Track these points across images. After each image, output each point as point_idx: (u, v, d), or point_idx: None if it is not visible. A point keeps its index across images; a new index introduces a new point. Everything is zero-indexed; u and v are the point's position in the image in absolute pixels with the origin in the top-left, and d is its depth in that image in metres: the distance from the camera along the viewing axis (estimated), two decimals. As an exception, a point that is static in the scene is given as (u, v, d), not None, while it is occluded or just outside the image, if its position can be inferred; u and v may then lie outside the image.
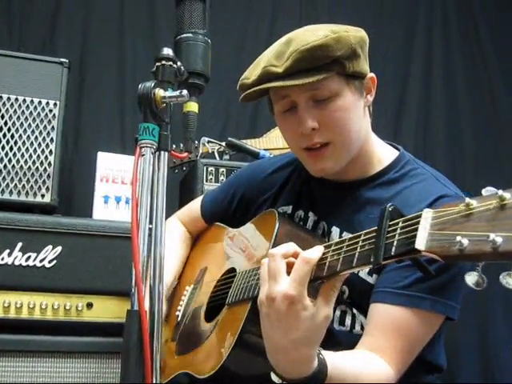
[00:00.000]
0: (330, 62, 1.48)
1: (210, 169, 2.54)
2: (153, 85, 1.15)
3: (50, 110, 2.37)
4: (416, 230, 0.98)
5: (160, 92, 1.14)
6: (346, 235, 1.55)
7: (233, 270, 1.70)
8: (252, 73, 1.55)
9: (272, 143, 2.77)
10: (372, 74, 1.60)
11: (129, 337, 1.04)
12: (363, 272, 1.51)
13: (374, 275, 1.50)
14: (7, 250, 2.18)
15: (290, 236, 1.55)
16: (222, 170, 2.54)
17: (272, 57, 1.51)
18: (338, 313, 1.56)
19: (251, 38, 3.45)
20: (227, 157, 2.72)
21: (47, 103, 2.38)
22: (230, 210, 1.92)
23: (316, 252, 1.17)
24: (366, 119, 1.62)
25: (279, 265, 1.18)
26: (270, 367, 1.32)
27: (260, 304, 1.21)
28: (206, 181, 2.51)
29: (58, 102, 2.39)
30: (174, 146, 2.60)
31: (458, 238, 0.89)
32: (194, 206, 2.05)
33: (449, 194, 1.53)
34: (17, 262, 2.19)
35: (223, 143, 2.71)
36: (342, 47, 1.48)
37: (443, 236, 0.93)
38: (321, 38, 1.46)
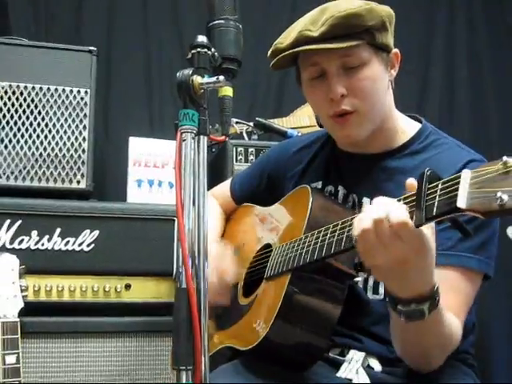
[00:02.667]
0: (361, 31, 1.55)
1: (239, 149, 2.58)
2: (191, 72, 1.20)
3: (82, 98, 2.42)
4: (456, 190, 1.04)
5: (198, 79, 1.19)
6: None
7: (267, 246, 1.76)
8: (286, 37, 1.60)
9: (299, 122, 2.81)
10: (397, 50, 1.66)
11: (178, 313, 1.09)
12: None
13: None
14: (47, 236, 2.25)
15: (324, 209, 1.61)
16: (251, 149, 2.59)
17: (308, 22, 1.56)
18: (371, 282, 1.61)
19: (273, 21, 3.47)
20: (255, 137, 2.77)
21: (78, 91, 2.43)
22: (259, 190, 1.98)
23: (402, 213, 1.20)
24: (390, 93, 1.68)
25: (394, 227, 1.21)
26: (315, 337, 1.41)
27: (387, 268, 1.25)
28: (236, 161, 2.56)
29: (88, 90, 2.44)
30: (210, 127, 2.68)
31: (499, 194, 0.95)
32: (225, 187, 2.12)
33: (476, 158, 1.60)
34: (56, 247, 2.26)
35: (251, 123, 2.75)
36: (374, 18, 1.55)
37: (483, 193, 0.99)
38: (355, 7, 1.53)
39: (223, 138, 1.28)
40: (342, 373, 1.56)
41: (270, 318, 1.48)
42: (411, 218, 1.16)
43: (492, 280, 1.57)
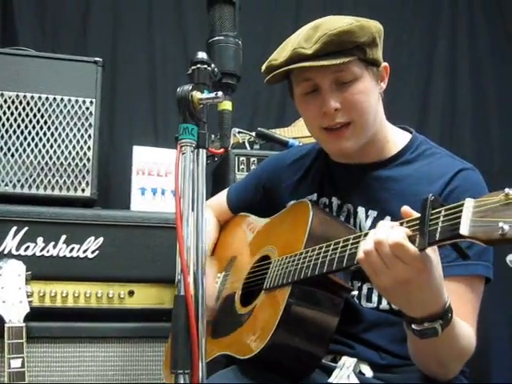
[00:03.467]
0: (353, 47, 1.59)
1: (241, 158, 2.63)
2: (190, 88, 1.24)
3: (87, 108, 2.48)
4: (459, 217, 1.09)
5: (197, 94, 1.23)
6: (372, 213, 1.67)
7: (266, 258, 1.79)
8: (280, 54, 1.64)
9: (300, 131, 2.85)
10: (386, 64, 1.71)
11: (177, 320, 1.14)
12: None
13: None
14: (52, 243, 2.30)
15: (324, 224, 1.65)
16: (252, 159, 2.63)
17: (301, 40, 1.60)
18: (364, 290, 1.65)
19: (276, 31, 3.51)
20: (257, 146, 2.80)
21: (84, 101, 2.48)
22: (256, 201, 2.02)
23: (400, 235, 1.24)
24: (380, 105, 1.72)
25: (388, 255, 1.25)
26: (313, 347, 1.47)
27: (391, 287, 1.29)
28: (238, 170, 2.61)
29: (93, 100, 2.49)
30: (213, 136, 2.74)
31: (500, 224, 1.00)
32: (222, 198, 2.16)
33: (466, 167, 1.65)
34: (61, 254, 2.31)
35: (253, 133, 2.79)
36: (365, 34, 1.59)
37: (485, 223, 1.04)
38: (347, 25, 1.57)
39: (222, 150, 1.32)
40: (334, 379, 1.59)
41: (270, 329, 1.52)
42: (414, 241, 1.21)
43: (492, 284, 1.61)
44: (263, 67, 1.70)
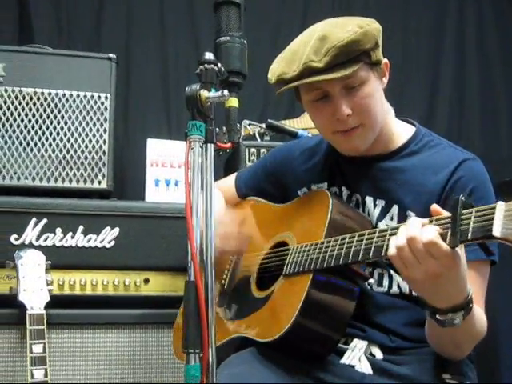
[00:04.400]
0: (359, 54, 1.63)
1: (251, 150, 2.68)
2: (198, 87, 1.32)
3: (102, 103, 2.55)
4: (491, 219, 1.16)
5: (204, 93, 1.31)
6: (380, 202, 1.73)
7: (282, 244, 1.84)
8: (291, 68, 1.67)
9: (309, 122, 2.88)
10: (386, 60, 1.75)
11: (188, 304, 1.22)
12: None
13: None
14: (70, 233, 2.36)
15: (342, 214, 1.71)
16: (262, 150, 2.68)
17: (310, 52, 1.63)
18: (376, 275, 1.71)
19: (285, 25, 3.58)
20: (268, 138, 2.84)
21: (99, 96, 2.55)
22: (264, 187, 2.06)
23: (432, 233, 1.31)
24: (384, 100, 1.78)
25: (420, 250, 1.33)
26: (331, 331, 1.55)
27: (421, 281, 1.36)
28: (249, 161, 2.65)
29: (108, 95, 2.57)
30: (218, 130, 2.79)
31: None
32: (229, 182, 2.18)
33: (469, 157, 1.72)
34: (79, 244, 2.37)
35: (263, 125, 2.83)
36: (369, 40, 1.64)
37: None
38: (352, 34, 1.61)
39: (229, 144, 1.39)
40: (346, 360, 1.67)
41: (292, 314, 1.57)
42: (445, 239, 1.29)
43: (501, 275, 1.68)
44: (273, 79, 1.73)
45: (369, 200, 1.77)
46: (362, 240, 1.53)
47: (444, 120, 3.79)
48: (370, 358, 1.67)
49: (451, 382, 1.58)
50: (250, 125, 2.84)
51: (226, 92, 1.30)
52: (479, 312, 1.54)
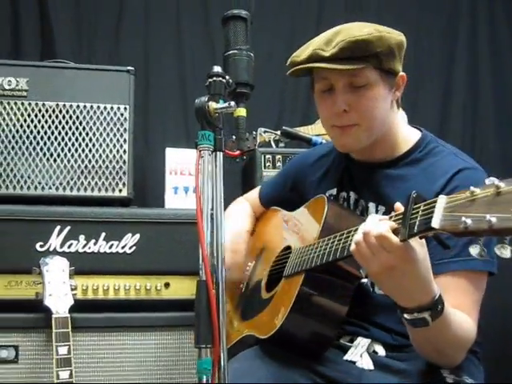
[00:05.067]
0: (369, 55, 1.69)
1: (267, 156, 2.76)
2: (206, 99, 1.40)
3: (122, 114, 2.62)
4: (432, 212, 1.20)
5: (213, 104, 1.38)
6: (381, 209, 1.79)
7: (288, 247, 1.93)
8: (303, 52, 1.76)
9: (323, 129, 2.96)
10: (403, 73, 1.79)
11: (199, 301, 1.31)
12: None
13: None
14: (93, 240, 2.43)
15: (337, 217, 1.78)
16: (278, 157, 2.75)
17: (322, 42, 1.72)
18: None
19: (300, 34, 3.63)
20: (283, 144, 2.91)
21: (118, 108, 2.62)
22: (284, 196, 2.15)
23: (383, 227, 1.37)
24: (393, 110, 1.83)
25: (373, 244, 1.38)
26: (324, 328, 1.59)
27: (378, 273, 1.41)
28: (265, 168, 2.73)
29: (127, 106, 2.64)
30: (234, 137, 2.87)
31: (463, 219, 1.11)
32: (255, 193, 2.30)
33: (468, 166, 1.73)
34: (102, 250, 2.44)
35: (278, 132, 2.90)
36: (382, 45, 1.69)
37: (453, 217, 1.15)
38: (366, 34, 1.67)
39: (238, 152, 1.47)
40: (348, 356, 1.74)
41: (285, 311, 1.67)
42: (398, 233, 1.33)
43: None
44: (288, 61, 1.81)
45: (371, 206, 1.83)
46: (341, 239, 1.59)
47: (458, 123, 3.82)
48: (373, 354, 1.73)
49: (449, 376, 1.62)
50: (265, 132, 2.91)
51: (232, 103, 1.37)
52: (462, 318, 1.56)
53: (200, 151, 1.40)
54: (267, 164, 2.75)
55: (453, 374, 1.63)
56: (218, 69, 1.43)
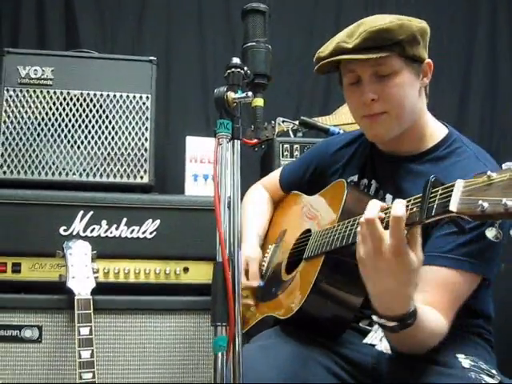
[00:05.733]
0: (392, 44, 1.71)
1: (285, 146, 2.81)
2: (225, 89, 1.45)
3: (144, 103, 2.69)
4: (450, 196, 1.23)
5: (231, 94, 1.44)
6: None
7: (308, 230, 1.97)
8: (327, 47, 1.80)
9: (340, 119, 2.99)
10: (429, 60, 1.81)
11: (216, 281, 1.37)
12: None
13: None
14: (115, 225, 2.51)
15: (356, 201, 1.80)
16: (295, 146, 2.81)
17: (344, 35, 1.76)
18: None
19: (319, 24, 3.68)
20: (300, 134, 2.96)
21: (140, 97, 2.69)
22: (305, 180, 2.19)
23: (400, 209, 1.35)
24: (422, 99, 1.84)
25: (378, 226, 1.39)
26: (342, 310, 1.63)
27: (366, 258, 1.43)
28: (282, 156, 2.79)
29: (149, 96, 2.70)
30: (253, 127, 2.92)
31: (480, 202, 1.14)
32: (274, 177, 2.34)
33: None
34: (123, 235, 2.52)
35: (296, 122, 2.95)
36: (404, 32, 1.71)
37: (470, 201, 1.18)
38: (388, 23, 1.71)
39: (255, 141, 1.52)
40: (368, 339, 1.79)
41: (305, 292, 1.71)
42: (416, 216, 1.34)
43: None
44: (314, 58, 1.85)
45: (388, 197, 1.86)
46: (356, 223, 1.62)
47: (476, 116, 3.84)
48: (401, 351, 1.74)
49: (464, 361, 1.65)
50: (283, 122, 2.96)
51: (250, 93, 1.43)
52: (432, 322, 1.58)
53: (218, 139, 1.46)
54: (285, 153, 2.80)
55: (468, 359, 1.67)
56: (236, 60, 1.49)
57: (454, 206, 1.21)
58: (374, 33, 1.71)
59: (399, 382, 1.65)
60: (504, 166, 1.15)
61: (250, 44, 1.58)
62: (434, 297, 1.63)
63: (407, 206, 1.37)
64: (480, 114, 3.86)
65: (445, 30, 3.88)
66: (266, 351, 1.72)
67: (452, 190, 1.24)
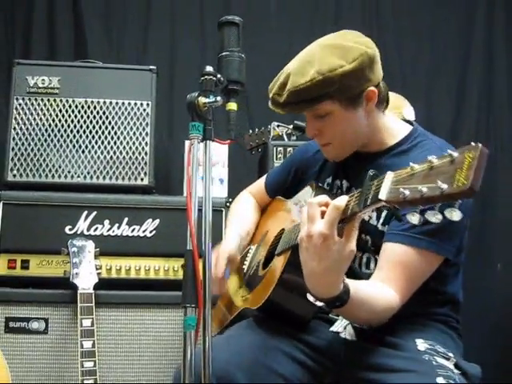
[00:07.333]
0: (319, 96, 1.80)
1: (278, 149, 2.93)
2: (196, 94, 1.60)
3: (144, 109, 2.83)
4: (381, 186, 1.33)
5: (202, 99, 1.58)
6: None
7: (283, 229, 2.08)
8: (271, 90, 1.94)
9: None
10: (371, 89, 1.84)
11: (186, 267, 1.51)
12: (379, 223, 1.86)
13: (387, 226, 1.83)
14: (116, 224, 2.66)
15: None
16: (289, 149, 2.92)
17: (277, 87, 1.89)
18: (364, 259, 1.90)
19: (318, 29, 3.71)
20: (294, 138, 3.07)
21: (141, 104, 2.84)
22: (287, 184, 2.27)
23: (342, 200, 1.44)
24: (371, 118, 1.91)
25: (315, 210, 1.47)
26: (306, 294, 1.68)
27: (300, 240, 1.50)
28: (276, 159, 2.91)
29: (149, 102, 2.84)
30: (251, 131, 3.05)
31: (401, 190, 1.24)
32: (259, 184, 2.43)
33: None
34: (124, 234, 2.67)
35: (290, 126, 3.06)
36: (328, 86, 1.78)
37: (396, 189, 1.28)
38: (307, 82, 1.78)
39: (228, 142, 1.65)
40: (334, 328, 1.90)
41: (273, 284, 1.84)
42: (355, 207, 1.43)
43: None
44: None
45: None
46: None
47: (472, 122, 3.89)
48: (356, 326, 1.86)
49: (422, 344, 1.74)
50: (278, 126, 3.08)
51: (218, 98, 1.56)
52: (377, 300, 1.68)
53: (191, 139, 1.60)
54: (278, 156, 2.92)
55: (426, 343, 1.75)
56: (209, 68, 1.62)
57: (383, 195, 1.29)
58: (295, 93, 1.81)
59: (353, 364, 1.75)
60: (429, 157, 1.24)
61: (224, 53, 1.70)
62: (387, 273, 1.73)
63: (350, 199, 1.46)
64: (475, 123, 3.90)
65: (440, 31, 3.95)
66: (231, 340, 1.85)
67: (383, 181, 1.33)
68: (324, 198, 1.50)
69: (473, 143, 1.14)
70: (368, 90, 1.84)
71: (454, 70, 3.95)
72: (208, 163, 1.59)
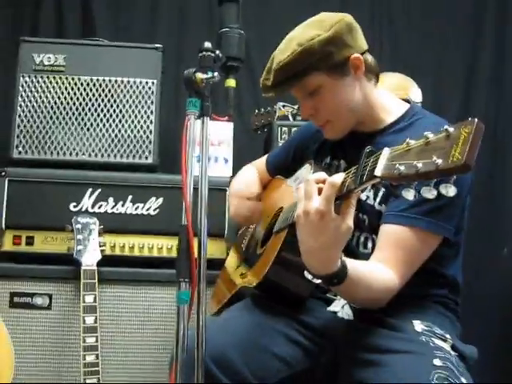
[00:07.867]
0: (303, 68, 1.81)
1: (283, 129, 2.94)
2: (194, 70, 1.60)
3: (149, 88, 2.84)
4: (377, 162, 1.32)
5: (199, 75, 1.58)
6: None
7: (281, 208, 2.10)
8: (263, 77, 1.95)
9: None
10: (356, 55, 1.84)
11: (180, 242, 1.52)
12: (376, 203, 1.86)
13: (384, 205, 1.83)
14: (121, 202, 2.69)
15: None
16: (294, 129, 2.90)
17: (265, 71, 1.90)
18: (362, 239, 1.91)
19: (323, 6, 3.73)
20: (299, 118, 3.05)
21: (146, 82, 2.84)
22: (288, 163, 2.29)
23: (338, 177, 1.44)
24: (363, 88, 1.91)
25: (312, 187, 1.46)
26: (304, 279, 1.70)
27: (297, 217, 1.49)
28: (281, 139, 2.91)
29: (155, 81, 2.85)
30: (257, 111, 3.05)
31: (397, 166, 1.23)
32: (261, 161, 2.45)
33: None
34: (128, 211, 2.69)
35: (295, 106, 3.06)
36: (309, 56, 1.79)
37: (391, 166, 1.27)
38: (288, 56, 1.80)
39: (226, 118, 1.64)
40: (331, 307, 1.91)
41: (270, 262, 1.84)
42: (351, 183, 1.42)
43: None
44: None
45: None
46: None
47: (481, 108, 3.85)
48: (353, 306, 1.88)
49: (419, 326, 1.75)
50: (284, 106, 3.09)
51: (215, 74, 1.57)
52: (375, 280, 1.67)
53: (188, 115, 1.60)
54: (283, 136, 2.92)
55: (423, 324, 1.76)
56: (208, 44, 1.62)
57: (379, 172, 1.29)
58: (279, 70, 1.82)
59: (350, 344, 1.76)
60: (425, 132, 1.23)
61: (224, 30, 1.70)
62: (385, 253, 1.73)
63: (347, 176, 1.45)
64: (485, 109, 3.86)
65: (450, 26, 3.91)
66: (227, 322, 1.88)
67: (379, 158, 1.33)
68: (321, 174, 1.50)
69: (470, 118, 1.13)
70: (352, 57, 1.85)
71: (464, 54, 3.91)
72: (205, 140, 1.58)
